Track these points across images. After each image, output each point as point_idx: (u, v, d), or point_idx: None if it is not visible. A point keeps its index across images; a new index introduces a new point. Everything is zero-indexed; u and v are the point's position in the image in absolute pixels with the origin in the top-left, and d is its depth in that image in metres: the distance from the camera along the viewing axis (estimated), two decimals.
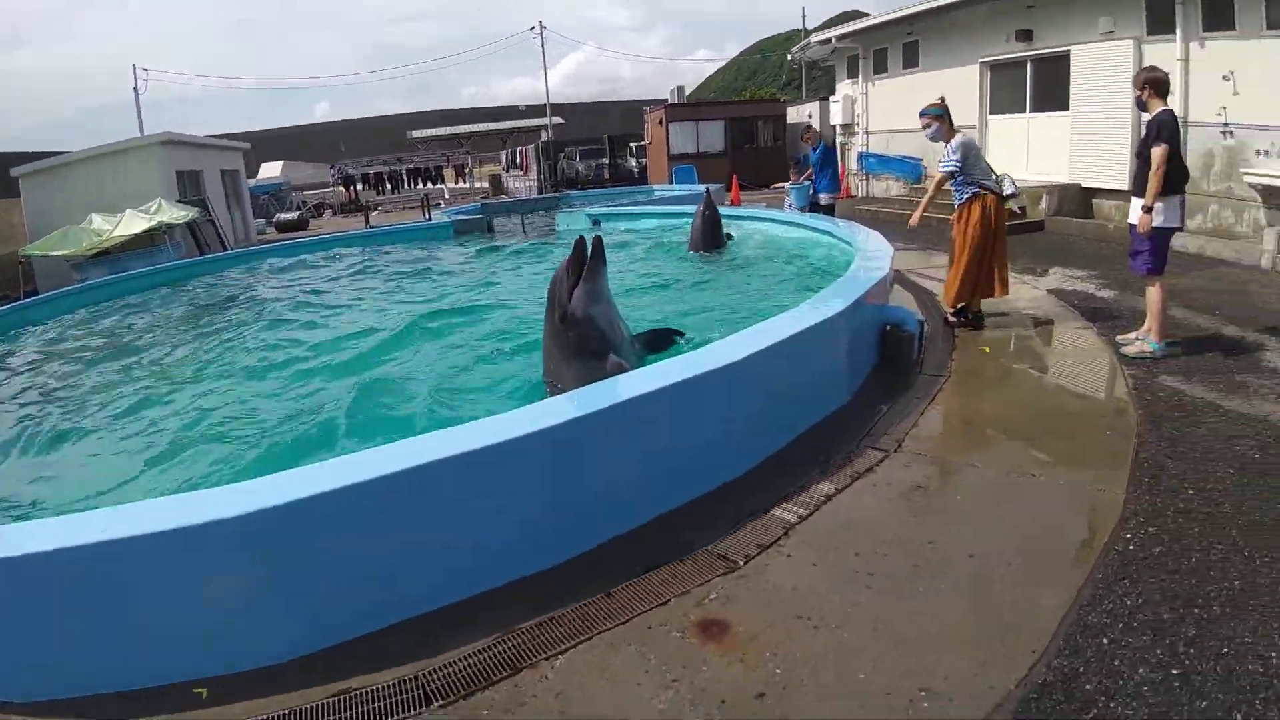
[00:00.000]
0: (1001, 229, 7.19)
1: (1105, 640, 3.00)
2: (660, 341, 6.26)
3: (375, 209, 37.50)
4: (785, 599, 3.39)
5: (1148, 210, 5.99)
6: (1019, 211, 12.77)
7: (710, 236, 11.79)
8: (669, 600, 3.42)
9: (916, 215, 7.36)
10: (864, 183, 20.49)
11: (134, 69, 31.96)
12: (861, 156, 20.50)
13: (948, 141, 7.11)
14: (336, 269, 14.82)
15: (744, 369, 4.46)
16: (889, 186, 19.48)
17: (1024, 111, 15.51)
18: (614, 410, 3.87)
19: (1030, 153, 15.30)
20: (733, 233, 12.68)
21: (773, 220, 13.11)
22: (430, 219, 21.49)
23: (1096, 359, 6.38)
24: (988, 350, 6.75)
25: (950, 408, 5.56)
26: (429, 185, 42.20)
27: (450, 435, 3.58)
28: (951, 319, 7.42)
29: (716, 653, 3.07)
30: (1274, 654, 2.89)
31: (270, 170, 54.76)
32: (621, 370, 4.83)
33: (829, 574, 3.56)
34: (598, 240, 5.20)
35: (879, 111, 20.12)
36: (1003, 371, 6.40)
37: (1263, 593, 3.26)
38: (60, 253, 18.37)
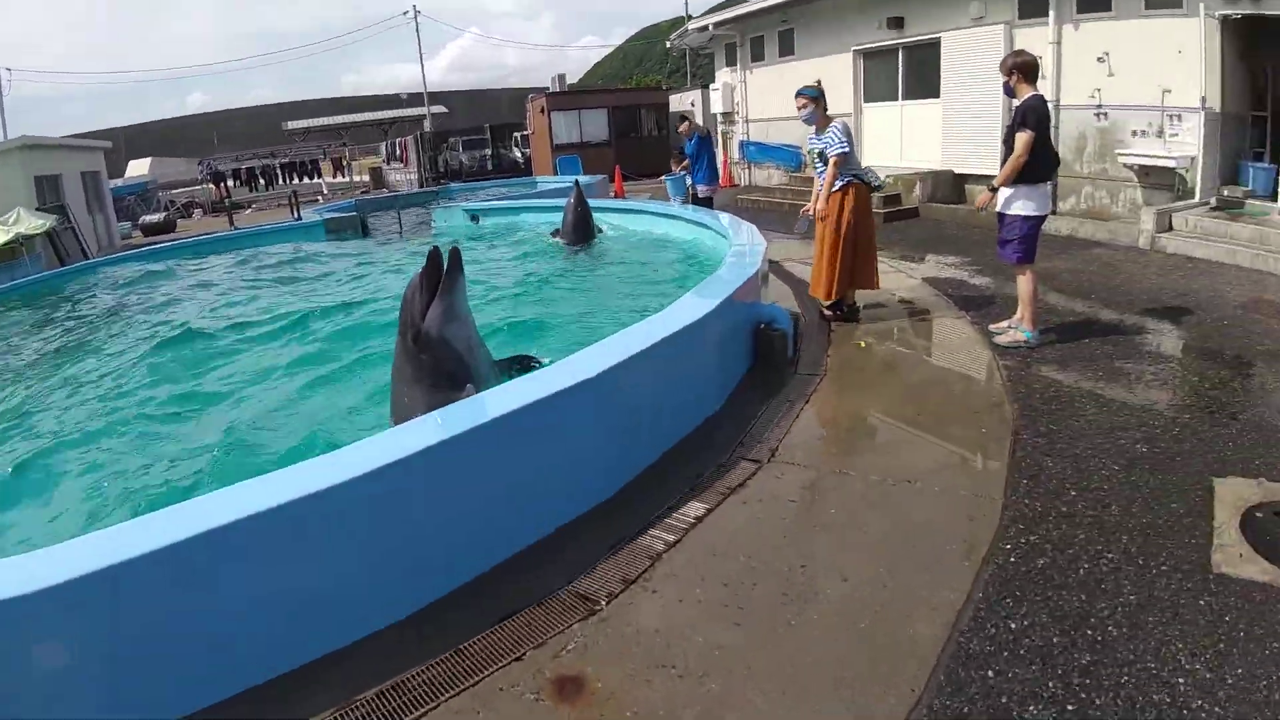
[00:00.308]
0: (872, 219, 7.16)
1: (990, 673, 2.81)
2: (525, 368, 5.58)
3: (249, 207, 35.91)
4: (648, 644, 3.11)
5: (993, 190, 6.09)
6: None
7: (580, 230, 11.85)
8: (524, 654, 3.09)
9: (820, 205, 6.96)
10: (746, 171, 20.49)
11: None
12: (742, 145, 20.49)
13: (820, 125, 6.93)
14: (187, 280, 13.88)
15: (606, 382, 4.16)
16: (770, 175, 19.51)
17: (897, 99, 15.64)
18: (460, 441, 3.50)
19: (904, 141, 15.44)
20: (604, 227, 12.55)
21: (649, 212, 12.90)
22: (300, 218, 20.51)
23: (971, 350, 6.33)
24: (864, 345, 6.64)
25: (825, 409, 5.40)
26: (305, 180, 40.53)
27: (245, 491, 3.12)
28: (827, 313, 7.28)
29: (571, 716, 2.77)
30: (1180, 679, 2.70)
31: (138, 168, 51.69)
32: None
33: (696, 611, 3.29)
34: (455, 252, 4.67)
35: (758, 99, 20.10)
36: (878, 367, 6.29)
37: (1162, 607, 3.09)
38: None
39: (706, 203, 12.11)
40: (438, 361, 4.61)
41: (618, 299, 8.33)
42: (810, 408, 5.36)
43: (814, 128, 6.99)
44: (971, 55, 13.53)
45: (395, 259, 13.08)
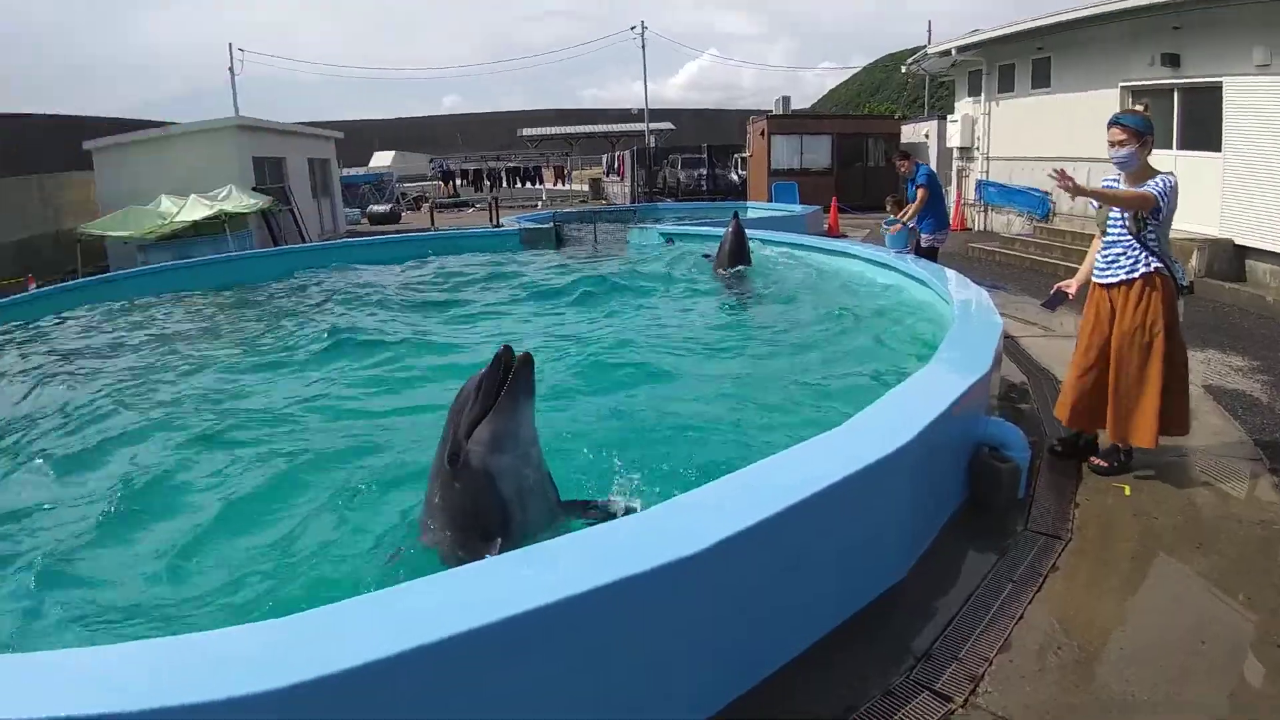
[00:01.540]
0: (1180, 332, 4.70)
1: None
2: (604, 516, 4.00)
3: (473, 206, 36.61)
4: None
5: None
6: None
7: (735, 257, 11.79)
8: None
9: (1090, 196, 4.68)
10: (981, 215, 18.06)
11: (230, 49, 31.48)
12: (980, 185, 18.08)
13: (1139, 176, 4.55)
14: (349, 282, 13.62)
15: (714, 561, 2.63)
16: (1011, 221, 17.00)
17: (1170, 148, 12.88)
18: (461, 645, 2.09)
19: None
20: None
21: (851, 255, 11.19)
22: (498, 224, 20.11)
23: None
24: (1128, 492, 4.58)
25: (1070, 607, 3.49)
26: (528, 185, 41.19)
27: None
28: (1058, 447, 5.07)
29: None
30: None
31: (381, 159, 54.87)
32: None
33: None
34: (525, 359, 3.38)
35: (1002, 135, 17.61)
36: (1156, 534, 4.14)
37: None
38: (118, 234, 17.81)
39: (930, 254, 9.96)
40: (472, 497, 3.45)
41: (779, 368, 6.73)
42: (1044, 602, 3.50)
43: (1121, 177, 4.66)
44: (1262, 106, 10.88)
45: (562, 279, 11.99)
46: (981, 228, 17.81)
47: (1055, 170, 4.52)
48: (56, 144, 22.66)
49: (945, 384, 4.15)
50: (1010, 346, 7.37)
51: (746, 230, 12.34)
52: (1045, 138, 15.53)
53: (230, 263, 15.81)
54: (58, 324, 11.27)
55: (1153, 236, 4.50)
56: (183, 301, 12.70)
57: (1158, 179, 4.45)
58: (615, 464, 4.65)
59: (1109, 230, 4.65)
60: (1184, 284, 4.64)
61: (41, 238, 20.19)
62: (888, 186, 24.75)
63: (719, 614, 2.82)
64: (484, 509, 3.44)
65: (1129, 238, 4.54)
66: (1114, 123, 4.54)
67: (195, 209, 18.01)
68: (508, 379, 3.33)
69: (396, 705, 2.06)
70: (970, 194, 18.66)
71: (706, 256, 12.76)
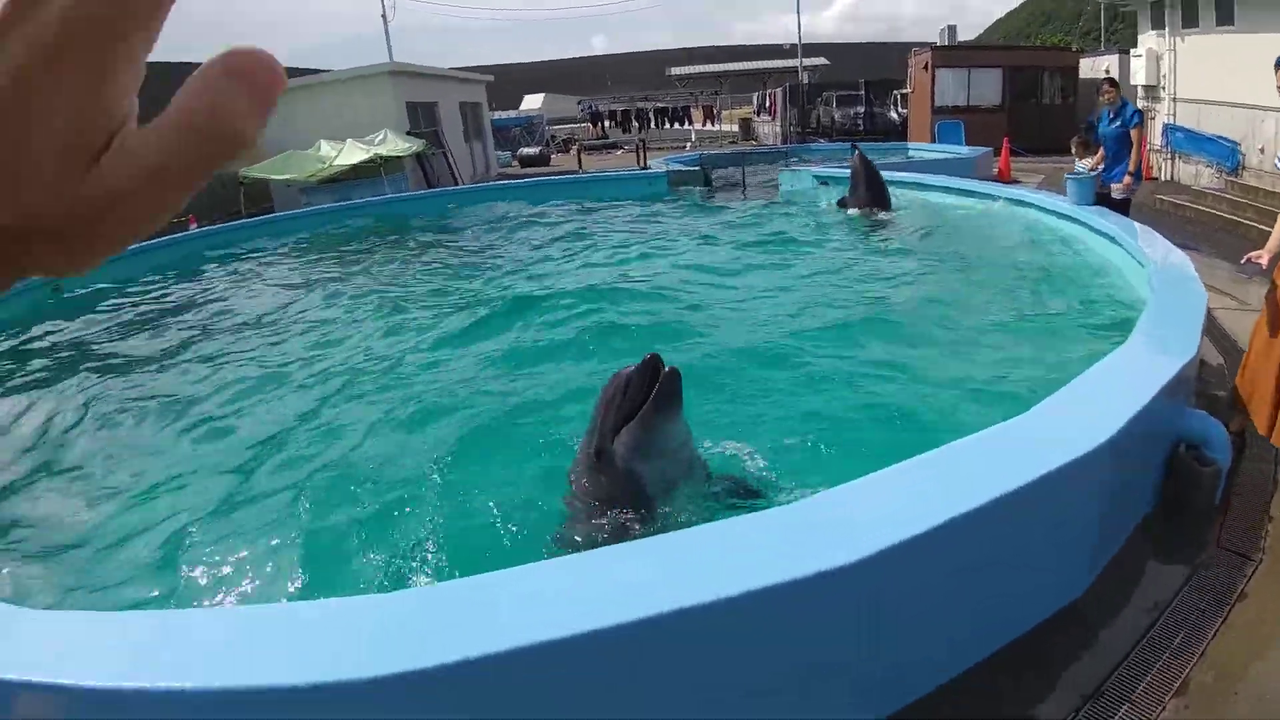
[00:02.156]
0: None
1: None
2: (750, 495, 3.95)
3: (621, 148, 36.37)
4: None
5: None
6: None
7: (875, 191, 10.97)
8: None
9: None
10: (1168, 163, 16.29)
11: None
12: (1167, 129, 16.29)
13: None
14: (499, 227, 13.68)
15: (865, 574, 2.31)
16: (1199, 172, 15.24)
17: None
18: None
19: None
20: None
21: (1022, 202, 10.23)
22: (646, 166, 19.78)
23: None
24: None
25: (1248, 646, 2.94)
26: (677, 125, 40.49)
27: None
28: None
29: None
30: None
31: (531, 102, 55.26)
32: None
33: None
34: (671, 375, 3.30)
35: (1189, 74, 15.64)
36: None
37: None
38: (279, 177, 18.57)
39: (1121, 207, 8.69)
40: (611, 491, 3.47)
41: (937, 336, 6.15)
42: (1228, 636, 3.00)
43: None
44: None
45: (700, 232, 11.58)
46: (1168, 177, 16.11)
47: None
48: None
49: (1147, 368, 3.60)
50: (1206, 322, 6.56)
51: (898, 174, 11.57)
52: (1231, 81, 13.73)
53: (388, 204, 16.30)
54: (219, 262, 11.90)
55: None
56: (339, 242, 13.16)
57: None
58: (767, 441, 4.40)
59: None
60: None
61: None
62: (1063, 127, 22.89)
63: (864, 632, 2.51)
64: (626, 505, 3.43)
65: None
66: None
67: (352, 153, 18.52)
68: (654, 389, 3.31)
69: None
70: (1156, 139, 16.91)
71: (842, 204, 11.97)
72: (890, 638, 2.58)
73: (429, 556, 3.60)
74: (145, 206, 0.34)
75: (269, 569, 3.66)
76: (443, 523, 3.86)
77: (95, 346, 8.16)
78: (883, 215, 11.20)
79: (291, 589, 3.48)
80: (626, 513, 3.41)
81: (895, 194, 11.71)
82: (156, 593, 3.60)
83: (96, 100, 0.32)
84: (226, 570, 3.67)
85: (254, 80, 0.34)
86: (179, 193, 0.35)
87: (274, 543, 3.84)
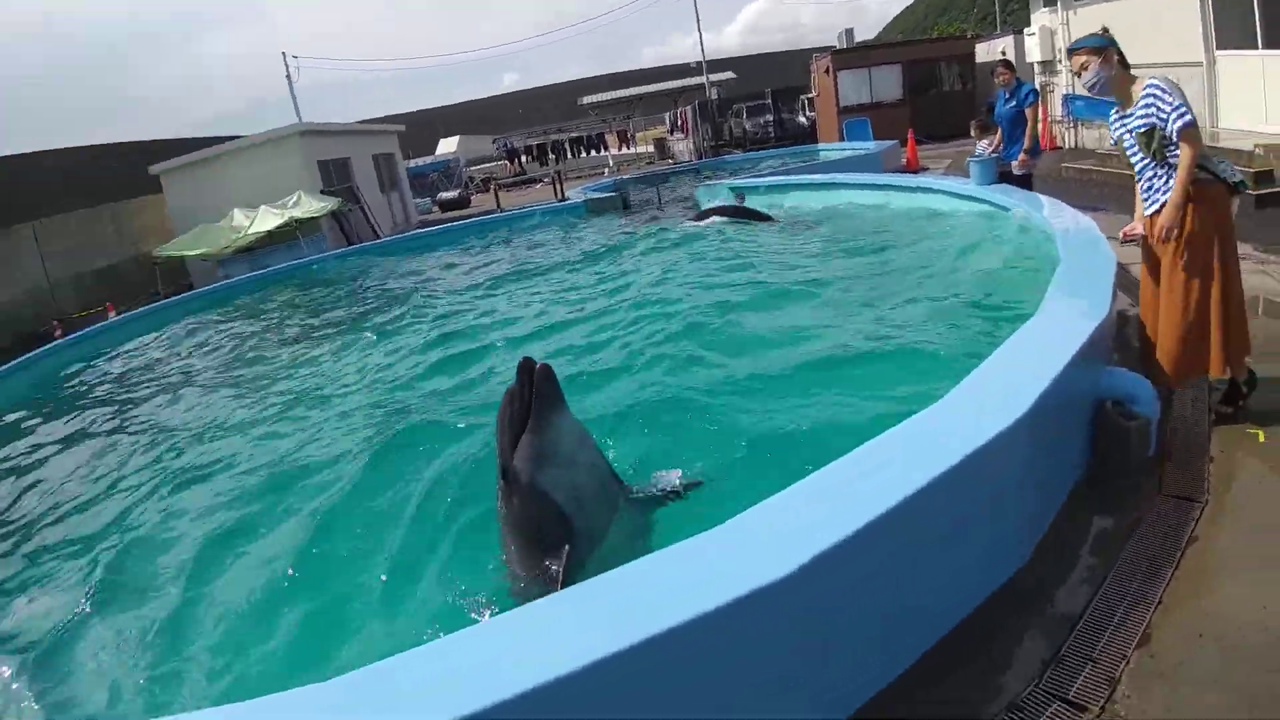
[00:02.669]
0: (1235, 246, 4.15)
1: None
2: (669, 495, 3.95)
3: (540, 182, 36.29)
4: None
5: None
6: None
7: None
8: None
9: (1165, 220, 4.04)
10: (1071, 131, 16.82)
11: (284, 57, 31.75)
12: (1066, 99, 16.82)
13: (1120, 90, 4.14)
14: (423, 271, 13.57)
15: (806, 579, 2.25)
16: (1102, 136, 15.73)
17: (1256, 48, 11.53)
18: None
19: (1269, 100, 11.32)
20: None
21: (928, 189, 10.43)
22: (564, 198, 19.79)
23: None
24: (1261, 438, 3.93)
25: (1204, 588, 2.95)
26: (593, 153, 40.65)
27: None
28: (1225, 409, 4.21)
29: None
30: None
31: (447, 146, 55.03)
32: (559, 577, 3.17)
33: None
34: (544, 373, 3.32)
35: None
36: None
37: None
38: (193, 253, 18.17)
39: (1024, 182, 8.90)
40: (528, 510, 3.41)
41: (859, 327, 6.17)
42: (1183, 581, 2.99)
43: (1111, 98, 4.25)
44: None
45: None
46: (1072, 145, 16.64)
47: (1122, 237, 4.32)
48: (124, 171, 23.35)
49: (1061, 333, 3.63)
50: (1121, 277, 6.70)
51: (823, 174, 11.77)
52: (1126, 45, 14.21)
53: (306, 267, 15.99)
54: (141, 347, 11.54)
55: (1174, 151, 3.94)
56: (261, 309, 12.87)
57: (1149, 96, 3.97)
58: (689, 437, 4.38)
59: (1132, 161, 4.20)
60: (1235, 181, 4.04)
61: (122, 264, 20.85)
62: (964, 112, 23.51)
63: (807, 639, 2.44)
64: (543, 520, 3.39)
65: (1153, 163, 4.07)
66: (1072, 51, 4.29)
67: (267, 219, 18.24)
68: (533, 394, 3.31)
69: None
70: (1057, 110, 17.44)
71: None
72: (836, 640, 2.53)
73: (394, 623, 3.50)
74: None
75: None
76: (393, 589, 3.75)
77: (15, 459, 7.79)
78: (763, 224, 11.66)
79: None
80: (546, 531, 3.36)
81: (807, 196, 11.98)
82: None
83: None
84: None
85: None
86: None
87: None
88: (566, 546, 3.30)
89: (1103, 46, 4.13)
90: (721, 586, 2.19)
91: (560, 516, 3.37)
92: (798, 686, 2.43)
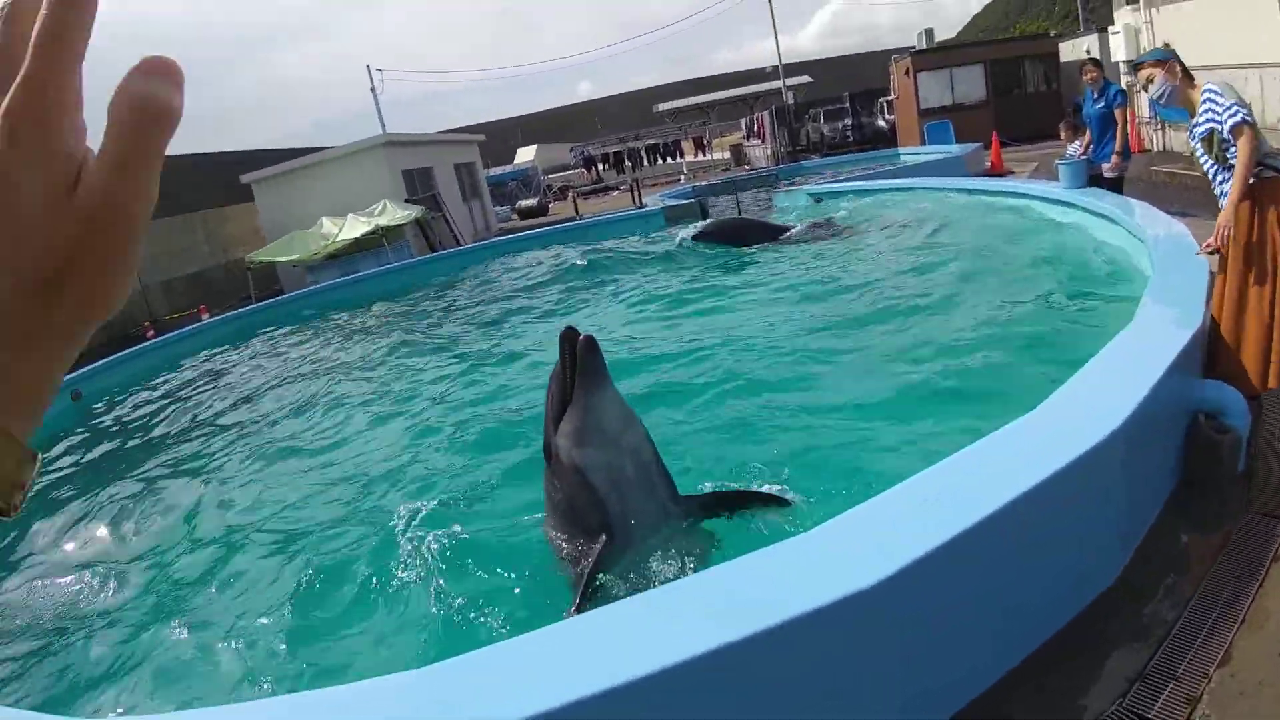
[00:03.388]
0: None
1: None
2: (736, 507, 3.75)
3: (617, 189, 36.65)
4: None
5: None
6: None
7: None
8: None
9: (1223, 221, 4.19)
10: (1159, 134, 16.28)
11: (369, 70, 32.77)
12: (1153, 101, 16.29)
13: (1184, 99, 4.36)
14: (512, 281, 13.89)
15: (889, 594, 2.29)
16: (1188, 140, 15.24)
17: None
18: None
19: None
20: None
21: (1014, 193, 10.23)
22: (641, 205, 19.94)
23: None
24: None
25: None
26: (669, 160, 40.84)
27: None
28: None
29: None
30: None
31: (525, 155, 55.92)
32: (587, 570, 3.13)
33: None
34: (587, 344, 3.15)
35: (1169, 43, 15.79)
36: None
37: None
38: (284, 259, 18.85)
39: (1115, 185, 8.64)
40: (569, 492, 3.38)
41: (944, 337, 6.11)
42: (1268, 598, 2.93)
43: (1180, 107, 4.45)
44: None
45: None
46: (1161, 147, 16.12)
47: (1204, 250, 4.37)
48: (216, 180, 24.33)
49: (1154, 346, 3.59)
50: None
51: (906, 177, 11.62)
52: (1211, 43, 13.78)
53: (391, 274, 16.51)
54: (238, 348, 12.10)
55: (1234, 151, 4.02)
56: (349, 313, 13.35)
57: (1206, 101, 4.15)
58: (763, 452, 4.41)
59: (1204, 167, 4.34)
60: None
61: (211, 270, 21.83)
62: (1049, 114, 22.91)
63: (900, 649, 2.49)
64: (581, 504, 3.33)
65: (1218, 166, 4.18)
66: (1137, 65, 4.59)
67: (354, 227, 18.82)
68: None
69: None
70: (1144, 111, 16.92)
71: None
72: (929, 648, 2.56)
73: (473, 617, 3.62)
74: (129, 199, 0.42)
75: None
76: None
77: (121, 445, 8.30)
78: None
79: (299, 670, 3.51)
80: (582, 513, 3.33)
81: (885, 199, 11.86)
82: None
83: (56, 151, 0.40)
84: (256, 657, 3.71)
85: (164, 68, 0.41)
86: (145, 174, 0.42)
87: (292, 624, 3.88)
88: (603, 535, 3.23)
89: (1165, 59, 4.34)
90: (826, 586, 2.26)
91: (596, 499, 3.28)
92: (890, 686, 2.48)
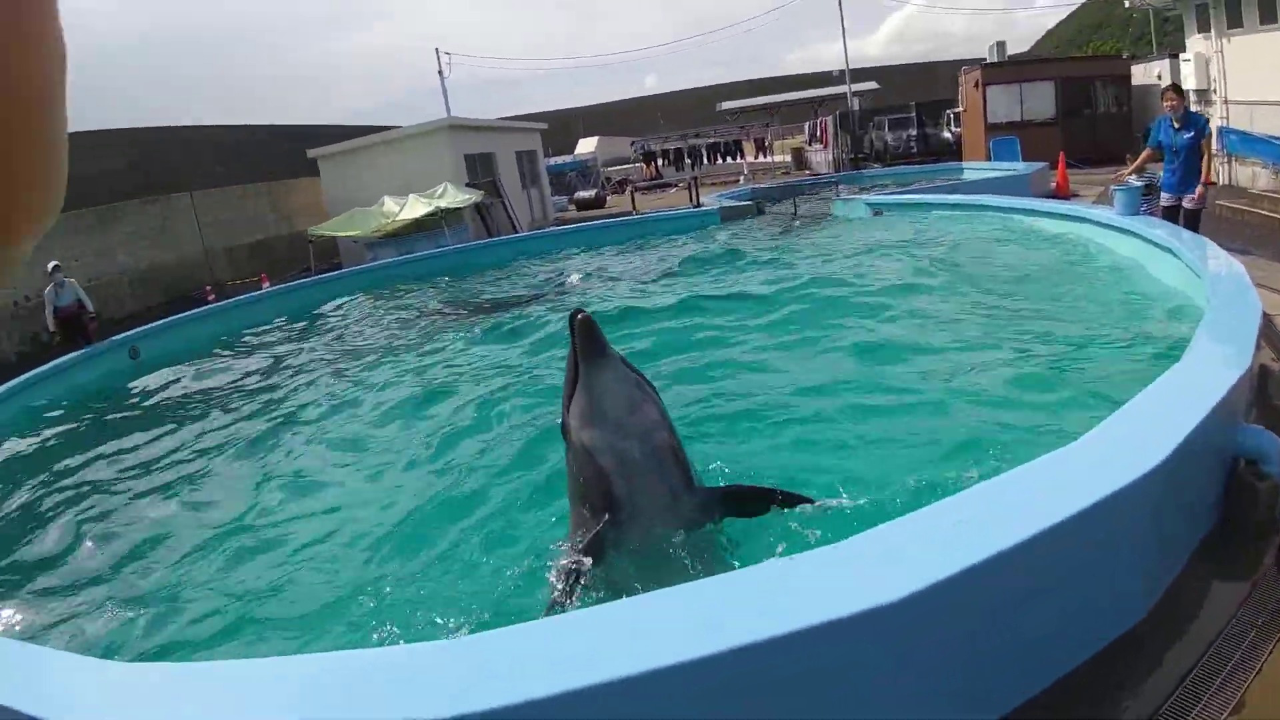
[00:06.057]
0: None
1: None
2: (756, 503, 3.65)
3: (676, 186, 36.58)
4: None
5: None
6: None
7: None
8: None
9: None
10: (1225, 167, 15.86)
11: (437, 53, 33.36)
12: (1221, 133, 15.90)
13: None
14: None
15: (909, 616, 2.36)
16: (1256, 175, 14.86)
17: None
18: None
19: None
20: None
21: (1079, 218, 10.08)
22: (699, 204, 19.99)
23: None
24: None
25: None
26: (729, 160, 40.67)
27: None
28: None
29: None
30: None
31: (586, 146, 56.06)
32: (579, 548, 3.20)
33: None
34: (582, 323, 3.19)
35: (1239, 75, 15.41)
36: None
37: None
38: (345, 234, 19.28)
39: (1193, 218, 8.30)
40: (576, 471, 3.45)
41: (988, 360, 6.11)
42: None
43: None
44: None
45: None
46: (1226, 181, 15.72)
47: None
48: (282, 152, 24.92)
49: (1199, 387, 3.58)
50: (1265, 328, 6.43)
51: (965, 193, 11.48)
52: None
53: (453, 254, 16.89)
54: (299, 319, 12.49)
55: None
56: (406, 292, 13.67)
57: None
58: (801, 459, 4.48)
59: None
60: None
61: (275, 239, 22.40)
62: (1118, 137, 22.47)
63: (905, 676, 2.55)
64: (587, 483, 3.37)
65: None
66: None
67: (415, 207, 19.17)
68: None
69: None
70: (1214, 143, 16.54)
71: None
72: (936, 675, 2.61)
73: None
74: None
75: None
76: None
77: (175, 406, 8.64)
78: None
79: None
80: (589, 494, 3.37)
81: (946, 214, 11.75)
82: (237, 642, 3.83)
83: None
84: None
85: None
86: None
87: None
88: (605, 516, 3.26)
89: None
90: (844, 598, 2.34)
91: (599, 480, 3.29)
92: None
